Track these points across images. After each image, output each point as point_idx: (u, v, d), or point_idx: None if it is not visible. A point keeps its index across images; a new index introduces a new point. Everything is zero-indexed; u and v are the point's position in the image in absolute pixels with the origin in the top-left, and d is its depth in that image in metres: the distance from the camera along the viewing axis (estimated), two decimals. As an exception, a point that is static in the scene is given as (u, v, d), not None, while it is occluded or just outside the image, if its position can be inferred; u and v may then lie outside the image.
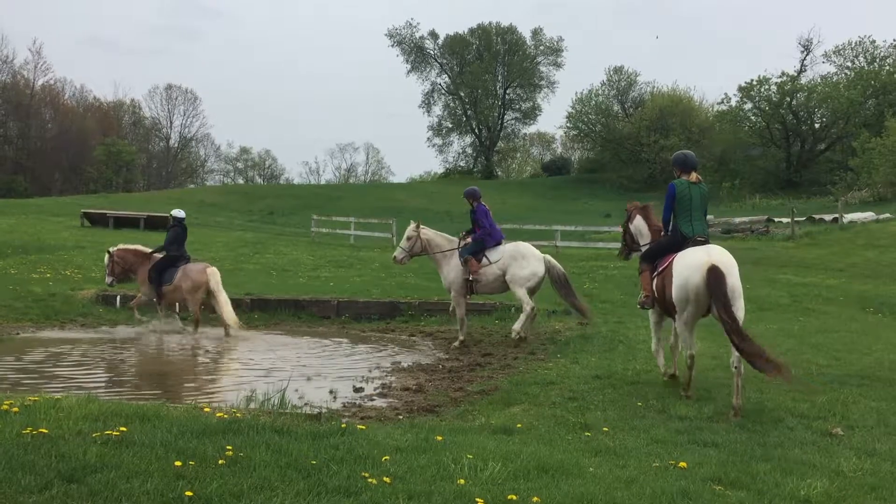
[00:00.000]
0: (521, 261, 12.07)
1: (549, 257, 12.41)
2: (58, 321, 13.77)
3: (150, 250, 14.11)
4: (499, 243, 12.34)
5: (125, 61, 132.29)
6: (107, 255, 14.25)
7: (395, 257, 12.76)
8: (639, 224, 9.17)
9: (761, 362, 6.97)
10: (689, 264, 7.55)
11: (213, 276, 13.44)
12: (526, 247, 12.50)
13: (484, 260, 12.14)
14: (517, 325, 11.82)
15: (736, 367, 7.31)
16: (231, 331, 13.15)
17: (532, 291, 12.06)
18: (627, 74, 72.89)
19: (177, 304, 13.91)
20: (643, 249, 8.92)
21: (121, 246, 14.39)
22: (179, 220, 14.03)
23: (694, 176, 8.27)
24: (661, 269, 8.13)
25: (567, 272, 12.47)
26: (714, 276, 7.29)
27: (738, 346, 7.07)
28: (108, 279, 14.28)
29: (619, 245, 10.55)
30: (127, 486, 4.15)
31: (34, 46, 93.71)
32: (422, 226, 12.72)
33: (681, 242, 8.03)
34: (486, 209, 12.48)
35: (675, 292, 7.59)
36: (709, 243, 7.96)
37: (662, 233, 8.61)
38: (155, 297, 13.60)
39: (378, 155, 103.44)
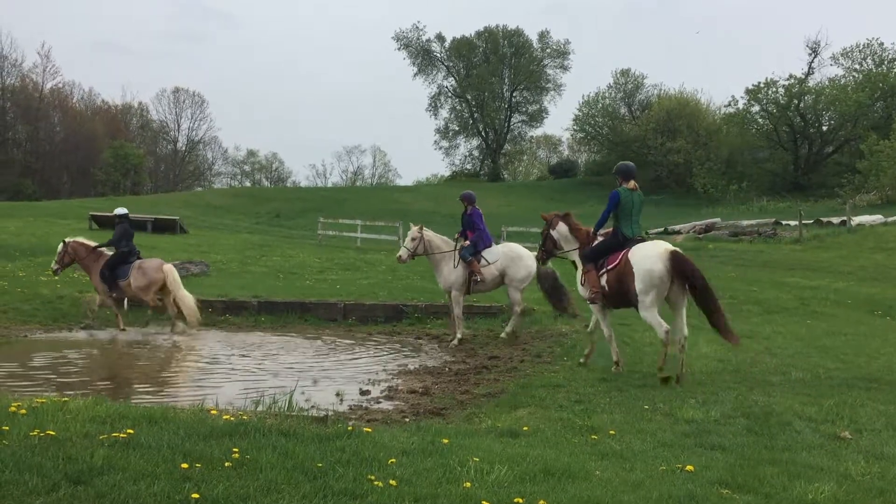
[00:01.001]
0: (518, 262, 12.72)
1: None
2: (65, 324, 13.81)
3: (94, 244, 14.36)
4: (490, 245, 12.92)
5: (133, 64, 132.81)
6: (62, 244, 14.52)
7: (399, 256, 13.19)
8: (562, 230, 9.92)
9: (727, 334, 8.59)
10: (649, 254, 8.57)
11: (170, 272, 13.69)
12: (518, 247, 13.26)
13: (482, 261, 12.67)
14: (509, 328, 12.58)
15: (682, 345, 8.68)
16: (185, 328, 13.41)
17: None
18: (634, 77, 72.85)
19: (127, 300, 14.14)
20: (567, 252, 9.87)
21: (76, 238, 14.71)
22: (124, 217, 14.38)
23: (632, 184, 9.24)
24: (610, 266, 9.01)
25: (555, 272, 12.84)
26: (676, 258, 8.46)
27: (714, 316, 8.59)
28: (55, 266, 14.55)
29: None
30: (134, 488, 4.16)
31: (43, 50, 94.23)
32: (424, 228, 13.16)
33: (622, 243, 9.04)
34: (480, 213, 13.05)
35: (640, 280, 8.50)
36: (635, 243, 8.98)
37: (592, 234, 9.55)
38: (108, 294, 13.81)
39: (385, 158, 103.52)
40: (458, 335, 12.50)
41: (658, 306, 8.68)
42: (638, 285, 8.53)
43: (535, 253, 11.04)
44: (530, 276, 12.65)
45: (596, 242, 9.44)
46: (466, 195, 13.28)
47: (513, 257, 12.73)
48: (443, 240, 13.14)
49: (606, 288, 9.06)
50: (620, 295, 8.94)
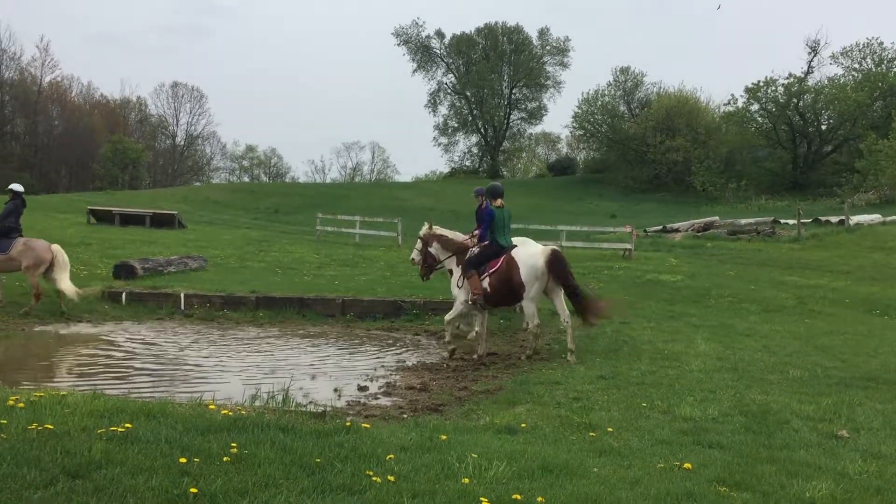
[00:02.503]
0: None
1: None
2: (63, 318, 13.79)
3: None
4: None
5: (132, 59, 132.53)
6: None
7: (412, 259, 12.54)
8: (437, 246, 11.59)
9: (593, 318, 10.45)
10: (532, 254, 10.40)
11: (59, 253, 13.89)
12: (528, 242, 12.60)
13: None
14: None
15: (566, 322, 10.35)
16: (69, 299, 13.68)
17: None
18: (634, 75, 72.78)
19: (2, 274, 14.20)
20: (444, 261, 11.52)
21: None
22: (18, 193, 14.55)
23: (500, 202, 10.95)
24: (491, 270, 10.56)
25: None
26: (555, 256, 10.37)
27: (583, 304, 10.39)
28: None
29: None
30: (132, 482, 4.16)
31: (41, 43, 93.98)
32: (437, 226, 12.50)
33: (498, 251, 10.66)
34: (491, 211, 12.46)
35: (525, 275, 10.21)
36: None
37: (470, 241, 11.32)
38: None
39: (384, 154, 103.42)
40: (476, 330, 12.10)
41: (537, 299, 10.43)
42: (524, 277, 10.19)
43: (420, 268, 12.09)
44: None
45: (476, 252, 10.94)
46: (478, 190, 12.57)
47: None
48: (454, 234, 12.43)
49: (489, 289, 10.56)
50: (503, 294, 10.55)
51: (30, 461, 4.32)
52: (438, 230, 12.58)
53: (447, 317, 11.19)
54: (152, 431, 5.07)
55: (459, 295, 10.94)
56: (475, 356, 10.85)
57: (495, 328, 13.29)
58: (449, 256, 11.35)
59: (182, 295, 15.08)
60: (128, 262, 17.40)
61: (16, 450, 4.47)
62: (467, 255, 11.06)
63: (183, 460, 4.50)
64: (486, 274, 10.60)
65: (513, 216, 11.73)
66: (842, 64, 62.77)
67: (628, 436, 6.26)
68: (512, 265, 10.31)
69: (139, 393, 8.12)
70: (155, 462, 4.48)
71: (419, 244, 12.39)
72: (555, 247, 10.55)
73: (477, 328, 11.54)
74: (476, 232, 12.61)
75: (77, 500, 3.90)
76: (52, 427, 4.95)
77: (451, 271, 11.39)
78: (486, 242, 10.92)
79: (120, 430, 5.02)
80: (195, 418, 5.48)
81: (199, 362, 10.47)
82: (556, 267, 10.27)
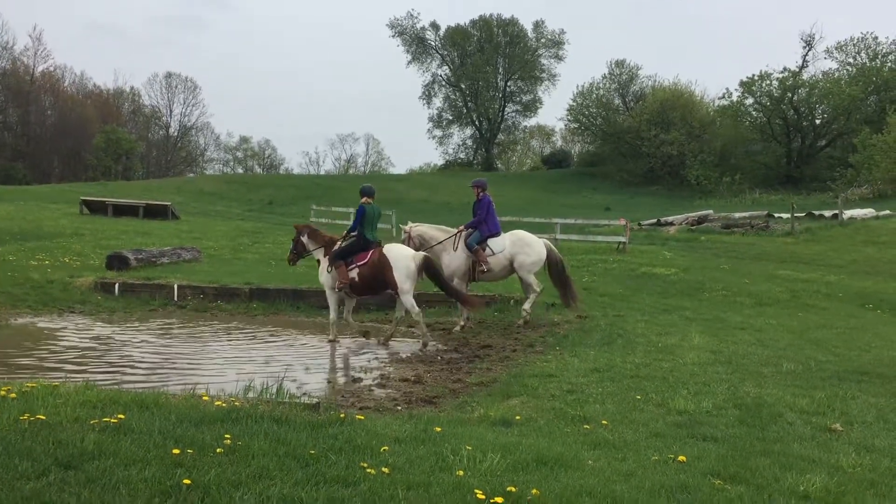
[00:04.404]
0: (527, 248, 12.77)
1: (548, 242, 13.22)
2: (56, 308, 13.74)
3: None
4: (497, 234, 12.86)
5: (126, 49, 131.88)
6: None
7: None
8: (307, 239, 12.36)
9: (468, 305, 11.81)
10: (407, 255, 11.41)
11: None
12: (525, 234, 13.23)
13: (487, 250, 12.68)
14: (527, 305, 12.67)
15: (418, 315, 11.34)
16: None
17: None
18: (629, 68, 72.64)
19: None
20: (312, 251, 12.26)
21: None
22: None
23: (366, 199, 11.87)
24: (360, 262, 11.51)
25: (563, 258, 13.18)
26: (427, 260, 11.45)
27: (457, 297, 11.81)
28: None
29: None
30: (125, 473, 4.13)
31: (34, 33, 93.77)
32: (413, 224, 13.41)
33: (365, 246, 11.63)
34: (488, 200, 12.94)
35: (399, 272, 11.19)
36: (382, 246, 11.68)
37: (339, 237, 12.18)
38: None
39: (378, 146, 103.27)
40: (461, 323, 12.55)
41: (413, 292, 11.41)
42: (398, 276, 11.20)
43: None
44: (540, 262, 12.75)
45: (344, 244, 11.84)
46: (476, 182, 13.31)
47: (519, 244, 12.76)
48: (439, 229, 13.32)
49: (357, 279, 11.53)
50: (370, 286, 11.59)
51: (22, 452, 4.29)
52: (420, 227, 13.28)
53: (331, 316, 11.88)
54: (145, 422, 5.04)
55: (326, 282, 11.85)
56: (330, 339, 11.62)
57: (490, 321, 13.28)
58: (317, 248, 12.16)
59: (175, 286, 15.04)
60: (121, 252, 17.34)
61: (7, 440, 4.44)
62: (335, 248, 11.97)
63: (176, 451, 4.48)
64: (354, 265, 11.54)
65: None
66: (836, 58, 62.86)
67: (623, 428, 6.26)
68: (385, 264, 11.29)
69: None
70: (148, 453, 4.45)
71: (295, 233, 13.21)
72: (425, 253, 11.82)
73: (348, 318, 12.30)
74: (461, 228, 13.08)
75: (69, 492, 3.88)
76: (44, 417, 4.92)
77: (318, 262, 12.24)
78: (355, 235, 11.87)
79: (113, 420, 4.99)
80: (189, 409, 5.46)
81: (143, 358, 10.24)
82: (429, 270, 11.45)
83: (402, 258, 11.32)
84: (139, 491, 3.95)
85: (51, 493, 3.84)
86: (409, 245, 12.89)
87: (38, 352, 10.14)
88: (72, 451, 4.38)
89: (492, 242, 12.73)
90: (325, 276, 11.90)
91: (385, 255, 11.36)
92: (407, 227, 13.37)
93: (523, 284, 12.99)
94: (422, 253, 11.70)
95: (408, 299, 11.34)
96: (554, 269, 12.83)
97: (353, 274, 11.51)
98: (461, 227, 13.02)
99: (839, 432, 6.38)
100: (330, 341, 11.53)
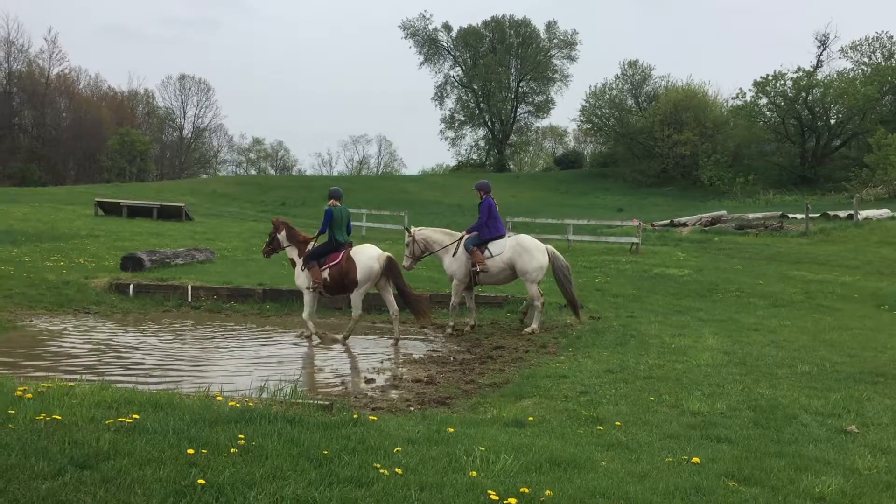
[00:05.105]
0: (527, 254, 12.54)
1: (552, 248, 12.96)
2: (71, 309, 13.83)
3: None
4: (500, 237, 12.77)
5: (140, 51, 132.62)
6: None
7: (403, 266, 13.08)
8: (283, 236, 12.55)
9: (423, 314, 12.12)
10: (371, 256, 11.80)
11: None
12: (528, 239, 13.06)
13: (486, 252, 12.62)
14: (535, 325, 12.28)
15: (395, 316, 11.99)
16: None
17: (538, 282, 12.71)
18: (642, 68, 72.38)
19: None
20: (286, 248, 12.54)
21: None
22: None
23: (333, 202, 12.17)
24: (332, 263, 11.86)
25: (569, 264, 13.06)
26: (390, 262, 11.82)
27: (410, 301, 11.96)
28: None
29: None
30: (140, 473, 4.16)
31: (49, 35, 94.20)
32: (416, 228, 13.54)
33: (336, 247, 11.96)
34: (491, 203, 12.88)
35: (361, 273, 11.63)
36: (352, 246, 12.06)
37: (311, 237, 12.47)
38: None
39: (390, 147, 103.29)
40: (451, 323, 12.71)
41: (365, 293, 11.85)
42: (359, 276, 11.64)
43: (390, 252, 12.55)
44: (541, 269, 12.50)
45: (316, 246, 12.16)
46: (478, 184, 13.25)
47: (520, 250, 12.53)
48: (443, 233, 13.39)
49: (329, 280, 11.85)
50: (341, 286, 11.90)
51: (38, 451, 4.32)
52: (423, 231, 13.40)
53: (304, 314, 12.10)
54: (160, 422, 5.07)
55: (301, 283, 12.20)
56: (304, 334, 11.94)
57: (503, 322, 13.27)
58: (291, 246, 12.48)
59: (189, 287, 15.11)
60: (135, 253, 17.43)
61: (24, 440, 4.47)
62: (307, 248, 12.26)
63: (191, 451, 4.50)
64: (326, 266, 11.92)
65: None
66: (851, 58, 62.35)
67: (636, 430, 6.24)
68: (351, 264, 11.73)
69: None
70: (163, 453, 4.47)
71: (405, 249, 13.40)
72: (389, 254, 12.08)
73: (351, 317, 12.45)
74: (465, 233, 13.10)
75: (85, 491, 3.90)
76: (59, 418, 4.95)
77: (292, 261, 12.55)
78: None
79: (128, 420, 5.02)
80: (202, 410, 5.48)
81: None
82: (391, 272, 11.82)
83: (367, 260, 11.77)
84: (154, 491, 3.97)
85: (67, 492, 3.87)
86: (413, 248, 13.11)
87: (51, 351, 10.22)
88: (87, 450, 4.40)
89: (492, 245, 12.64)
90: (300, 277, 12.22)
91: (352, 257, 11.81)
92: (411, 231, 13.42)
93: (529, 294, 12.80)
94: (386, 254, 11.98)
95: (356, 298, 11.78)
96: (559, 275, 12.62)
97: (326, 274, 11.89)
98: (465, 232, 13.02)
99: (855, 434, 6.34)
100: (306, 337, 11.82)
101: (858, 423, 6.68)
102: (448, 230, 13.57)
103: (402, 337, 11.87)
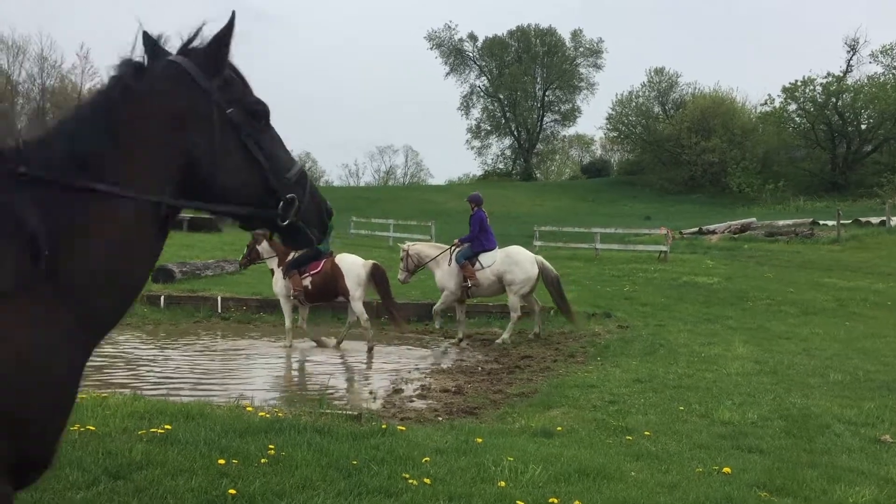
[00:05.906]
0: (514, 267, 12.69)
1: (541, 259, 13.07)
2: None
3: None
4: (491, 249, 12.91)
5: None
6: None
7: (399, 279, 13.52)
8: (265, 247, 12.55)
9: (395, 323, 12.30)
10: (357, 263, 12.06)
11: None
12: (518, 250, 13.21)
13: (477, 265, 12.76)
14: (506, 335, 12.44)
15: (367, 324, 11.83)
16: None
17: (529, 292, 12.73)
18: (668, 75, 72.05)
19: None
20: (267, 259, 12.68)
21: None
22: None
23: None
24: (313, 272, 12.02)
25: (559, 275, 13.07)
26: (377, 269, 12.09)
27: (390, 309, 12.27)
28: None
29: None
30: (172, 483, 4.21)
31: (82, 51, 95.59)
32: (410, 243, 14.09)
33: (316, 256, 11.72)
34: (482, 215, 13.12)
35: (351, 280, 11.78)
36: (334, 256, 12.20)
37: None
38: None
39: (417, 157, 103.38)
40: (437, 325, 13.14)
41: (362, 298, 11.91)
42: (350, 283, 11.77)
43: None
44: (529, 280, 12.60)
45: (297, 255, 11.92)
46: (470, 197, 13.55)
47: (509, 262, 12.69)
48: (433, 246, 13.91)
49: (310, 287, 12.04)
50: (324, 293, 12.14)
51: (72, 462, 4.38)
52: (416, 246, 13.91)
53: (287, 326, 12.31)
54: (191, 433, 5.12)
55: (280, 291, 12.36)
56: (286, 345, 12.08)
57: (529, 331, 13.25)
58: (272, 257, 12.59)
59: (219, 298, 15.24)
60: (166, 265, 17.61)
61: (58, 451, 4.54)
62: (288, 258, 12.29)
63: (221, 462, 4.55)
64: (307, 274, 12.08)
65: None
66: (881, 62, 61.55)
67: (666, 440, 6.20)
68: (337, 272, 11.89)
69: None
70: (194, 463, 4.53)
71: (400, 263, 13.66)
72: (375, 261, 12.36)
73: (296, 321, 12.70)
74: (455, 243, 13.32)
75: (118, 501, 3.96)
76: (93, 428, 5.03)
77: (272, 271, 12.65)
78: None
79: (160, 431, 5.09)
80: (233, 420, 5.54)
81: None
82: (377, 278, 12.06)
83: (353, 267, 11.98)
84: (186, 501, 4.02)
85: (100, 502, 3.93)
86: (406, 262, 13.43)
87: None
88: (120, 461, 4.47)
89: (483, 257, 12.77)
90: (279, 285, 12.33)
91: (337, 265, 11.97)
92: (405, 247, 13.76)
93: (509, 305, 12.87)
94: (371, 261, 12.26)
95: (358, 306, 11.85)
96: (550, 286, 12.70)
97: (307, 282, 12.07)
98: (455, 242, 13.22)
99: (889, 444, 6.25)
100: (286, 347, 11.93)
101: (893, 432, 6.58)
102: (440, 244, 13.97)
103: (372, 347, 11.89)
